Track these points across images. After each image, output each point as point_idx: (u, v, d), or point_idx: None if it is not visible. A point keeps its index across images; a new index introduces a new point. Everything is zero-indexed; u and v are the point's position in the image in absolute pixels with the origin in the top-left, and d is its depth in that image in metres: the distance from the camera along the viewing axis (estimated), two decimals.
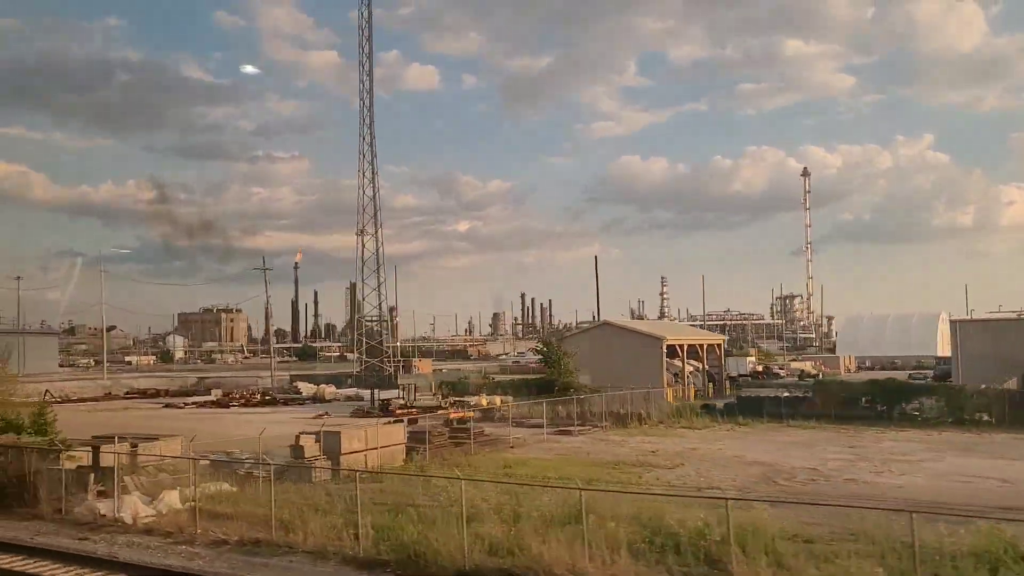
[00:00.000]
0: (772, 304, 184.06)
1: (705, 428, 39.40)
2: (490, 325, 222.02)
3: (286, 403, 60.68)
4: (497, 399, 47.27)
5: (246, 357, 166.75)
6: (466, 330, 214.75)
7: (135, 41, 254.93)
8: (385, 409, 49.22)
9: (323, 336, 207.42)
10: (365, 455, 25.81)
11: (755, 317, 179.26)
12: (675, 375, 57.62)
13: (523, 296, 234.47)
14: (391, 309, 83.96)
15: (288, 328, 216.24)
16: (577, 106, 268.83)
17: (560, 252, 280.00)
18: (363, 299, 64.15)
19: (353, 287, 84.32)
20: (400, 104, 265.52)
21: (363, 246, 59.69)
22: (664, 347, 55.89)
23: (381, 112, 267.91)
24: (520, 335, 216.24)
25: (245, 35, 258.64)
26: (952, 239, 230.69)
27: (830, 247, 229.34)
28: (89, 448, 21.29)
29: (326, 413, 49.19)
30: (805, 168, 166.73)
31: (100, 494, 18.85)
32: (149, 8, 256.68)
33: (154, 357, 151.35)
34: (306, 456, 24.41)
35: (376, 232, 59.71)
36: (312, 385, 69.02)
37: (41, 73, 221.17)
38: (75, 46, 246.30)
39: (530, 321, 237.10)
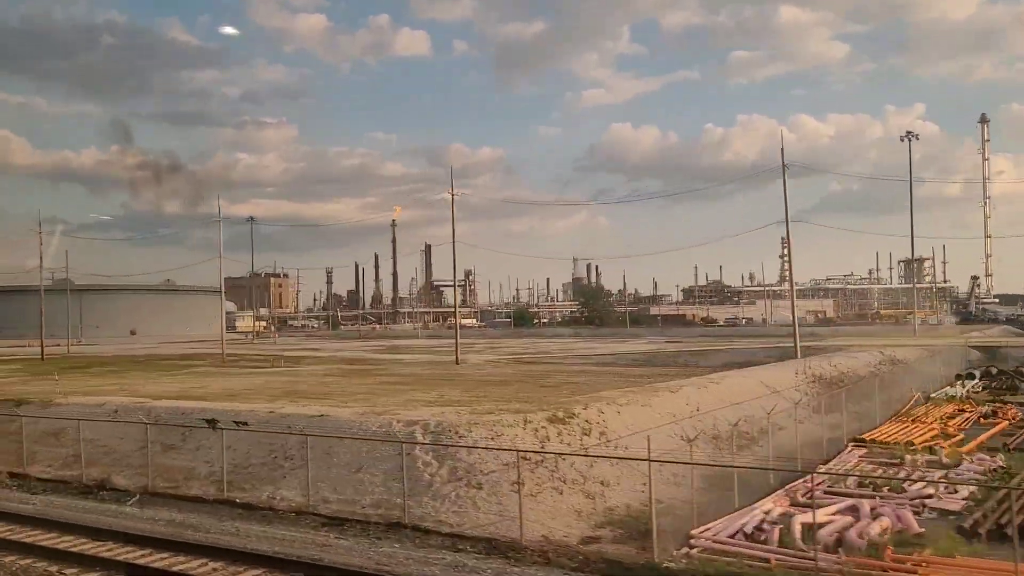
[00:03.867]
0: (881, 269, 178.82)
1: None
2: (566, 292, 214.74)
3: None
4: None
5: (374, 324, 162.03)
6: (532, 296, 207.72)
7: (120, 4, 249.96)
8: None
9: (384, 303, 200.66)
10: None
11: (880, 281, 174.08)
12: None
13: (575, 261, 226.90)
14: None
15: (346, 294, 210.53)
16: (569, 74, 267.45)
17: (550, 221, 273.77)
18: None
19: None
20: (389, 71, 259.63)
21: None
22: None
23: (369, 78, 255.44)
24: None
25: None
26: (940, 209, 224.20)
27: (817, 217, 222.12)
28: None
29: None
30: (983, 115, 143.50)
31: None
32: None
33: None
34: None
35: None
36: None
37: (23, 36, 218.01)
38: (58, 8, 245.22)
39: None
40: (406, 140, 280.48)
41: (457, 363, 43.87)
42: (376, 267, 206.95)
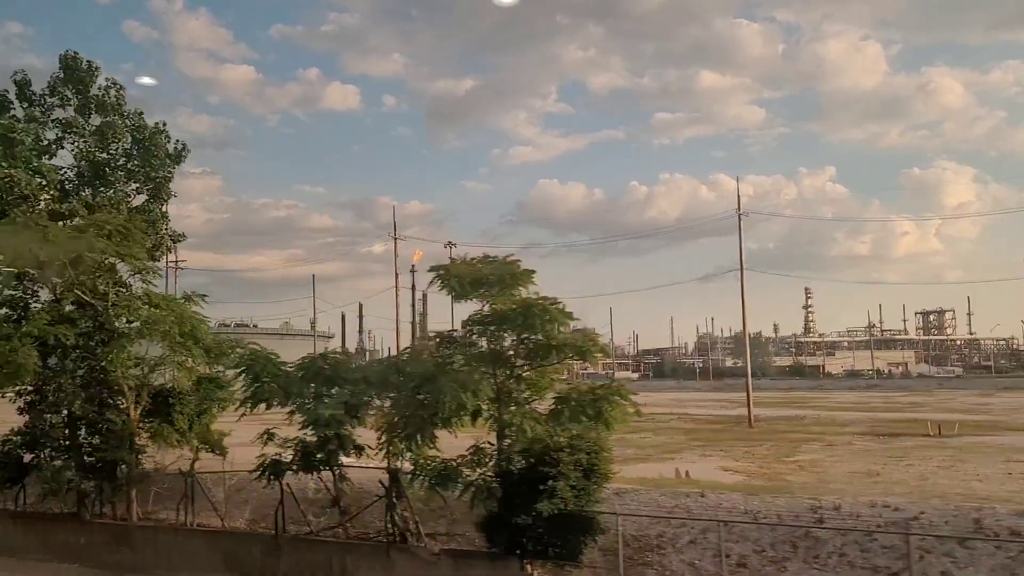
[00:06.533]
0: (884, 322, 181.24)
1: None
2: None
3: None
4: None
5: None
6: None
7: (38, 48, 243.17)
8: None
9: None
10: None
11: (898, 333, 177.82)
12: None
13: None
14: None
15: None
16: (498, 130, 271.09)
17: None
18: None
19: None
20: (318, 124, 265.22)
21: None
22: None
23: (297, 131, 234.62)
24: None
25: (157, 47, 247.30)
26: (850, 268, 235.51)
27: (735, 272, 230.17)
28: None
29: None
30: None
31: None
32: (55, 15, 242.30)
33: None
34: None
35: None
36: None
37: None
38: None
39: None
40: (334, 193, 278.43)
41: None
42: (360, 318, 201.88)
